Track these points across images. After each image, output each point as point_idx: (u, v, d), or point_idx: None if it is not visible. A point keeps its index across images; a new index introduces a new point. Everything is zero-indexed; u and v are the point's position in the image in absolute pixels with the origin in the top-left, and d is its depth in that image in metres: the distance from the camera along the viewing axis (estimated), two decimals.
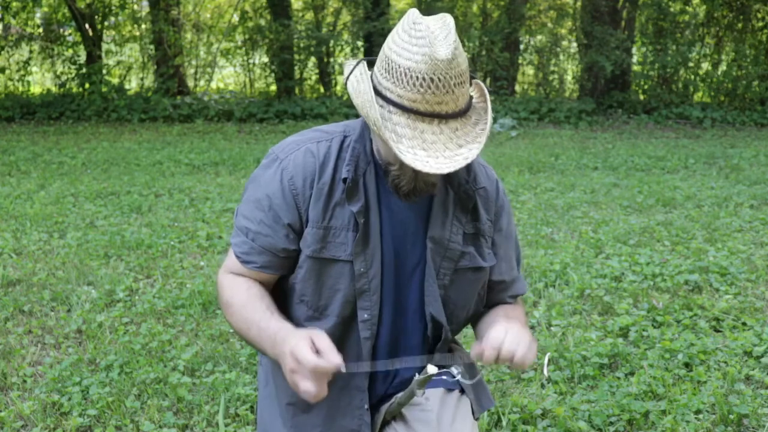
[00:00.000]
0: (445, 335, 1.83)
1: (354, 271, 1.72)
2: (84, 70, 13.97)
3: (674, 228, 5.98)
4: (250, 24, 15.14)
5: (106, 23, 14.84)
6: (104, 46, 14.76)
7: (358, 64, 1.64)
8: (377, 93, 1.58)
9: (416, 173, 1.64)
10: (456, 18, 14.41)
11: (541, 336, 3.88)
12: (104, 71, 14.19)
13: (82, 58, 14.42)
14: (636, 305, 4.32)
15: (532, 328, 3.99)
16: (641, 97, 14.65)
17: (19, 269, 4.92)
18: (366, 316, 1.75)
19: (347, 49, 14.94)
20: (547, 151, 10.31)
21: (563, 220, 6.34)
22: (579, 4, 15.19)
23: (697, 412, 3.14)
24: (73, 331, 3.97)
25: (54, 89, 14.44)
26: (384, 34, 12.86)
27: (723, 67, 14.90)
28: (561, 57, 15.53)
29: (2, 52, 14.31)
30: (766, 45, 14.82)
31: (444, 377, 1.74)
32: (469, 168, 1.78)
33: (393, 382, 1.86)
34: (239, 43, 15.65)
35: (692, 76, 14.74)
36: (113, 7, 14.63)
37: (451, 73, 1.52)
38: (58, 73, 14.43)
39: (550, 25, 15.49)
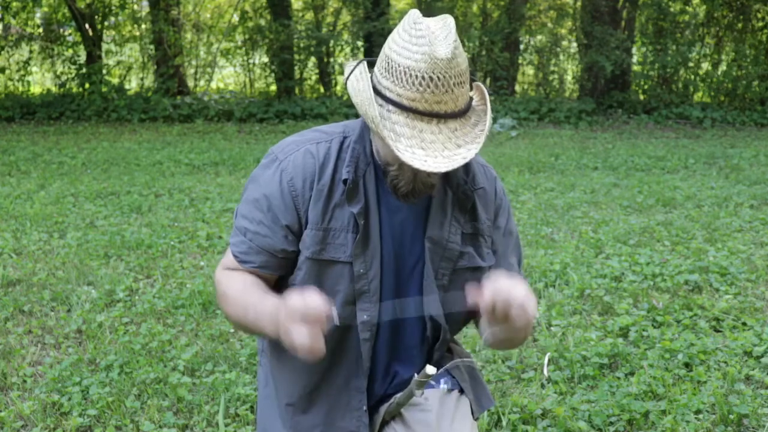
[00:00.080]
0: (444, 335, 1.83)
1: (353, 273, 1.72)
2: (84, 70, 13.97)
3: (674, 228, 5.98)
4: (250, 24, 15.14)
5: (106, 23, 14.85)
6: (104, 46, 14.76)
7: (358, 64, 1.64)
8: (377, 92, 1.58)
9: (415, 174, 1.64)
10: (456, 18, 14.38)
11: (541, 336, 3.88)
12: (104, 71, 14.19)
13: (82, 58, 14.42)
14: (636, 305, 4.32)
15: (532, 328, 3.99)
16: (641, 97, 14.65)
17: (19, 269, 4.92)
18: (365, 317, 1.75)
19: (347, 49, 14.95)
20: (547, 151, 10.31)
21: (563, 220, 6.34)
22: (579, 4, 15.19)
23: (697, 412, 3.14)
24: (73, 331, 3.97)
25: (54, 89, 14.44)
26: (384, 34, 12.87)
27: (723, 67, 14.90)
28: (561, 57, 15.53)
29: (2, 52, 14.31)
30: (766, 45, 14.82)
31: (432, 383, 1.74)
32: (467, 168, 1.77)
33: (392, 383, 1.86)
34: (239, 43, 15.65)
35: (692, 76, 14.74)
36: (113, 7, 14.63)
37: (451, 73, 1.52)
38: (58, 73, 14.43)
39: (550, 25, 15.49)
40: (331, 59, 14.95)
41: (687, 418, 3.07)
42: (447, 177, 1.74)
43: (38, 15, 15.33)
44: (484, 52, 14.74)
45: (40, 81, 15.37)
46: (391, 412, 1.84)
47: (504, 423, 3.04)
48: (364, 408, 1.81)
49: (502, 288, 1.52)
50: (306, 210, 1.71)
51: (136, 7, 15.64)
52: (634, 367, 3.55)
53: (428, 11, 12.17)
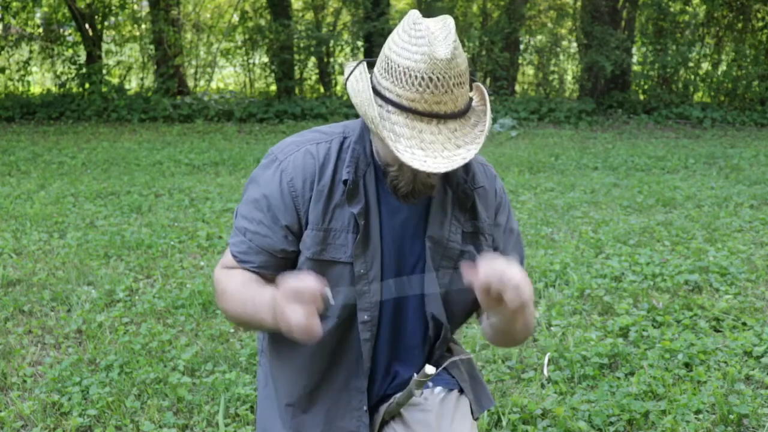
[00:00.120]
0: (445, 334, 1.83)
1: (354, 273, 1.72)
2: (84, 70, 13.97)
3: (674, 228, 5.98)
4: (250, 24, 15.14)
5: (106, 23, 14.85)
6: (104, 46, 14.76)
7: (358, 65, 1.64)
8: (376, 93, 1.58)
9: (415, 175, 1.64)
10: (456, 18, 14.41)
11: (541, 336, 3.88)
12: (104, 71, 14.19)
13: (82, 58, 14.42)
14: (636, 305, 4.32)
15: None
16: (641, 97, 14.66)
17: (19, 269, 4.92)
18: (366, 317, 1.75)
19: (347, 49, 14.95)
20: (547, 151, 10.31)
21: (563, 220, 6.34)
22: (579, 4, 15.19)
23: (697, 412, 3.14)
24: (73, 331, 3.97)
25: (54, 89, 14.44)
26: (384, 34, 12.87)
27: (723, 67, 14.90)
28: (561, 57, 15.53)
29: (2, 52, 14.31)
30: (766, 45, 14.82)
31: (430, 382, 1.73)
32: (467, 167, 1.77)
33: (392, 383, 1.86)
34: (239, 43, 15.65)
35: (692, 76, 14.74)
36: (113, 7, 14.63)
37: (450, 73, 1.52)
38: (58, 73, 14.43)
39: (550, 25, 15.50)
40: (331, 59, 14.95)
41: (687, 418, 3.07)
42: (447, 176, 1.74)
43: (38, 15, 15.34)
44: (484, 52, 14.74)
45: (40, 81, 15.37)
46: (391, 412, 1.85)
47: (504, 423, 3.04)
48: (365, 408, 1.81)
49: (497, 268, 1.50)
50: (306, 210, 1.71)
51: (136, 7, 15.64)
52: (634, 367, 3.55)
53: (428, 11, 12.18)
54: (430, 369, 1.70)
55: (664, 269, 4.86)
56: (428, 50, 1.51)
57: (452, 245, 1.76)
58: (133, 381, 3.38)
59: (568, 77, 15.65)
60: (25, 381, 3.43)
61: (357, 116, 1.82)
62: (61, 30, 15.24)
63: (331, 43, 14.71)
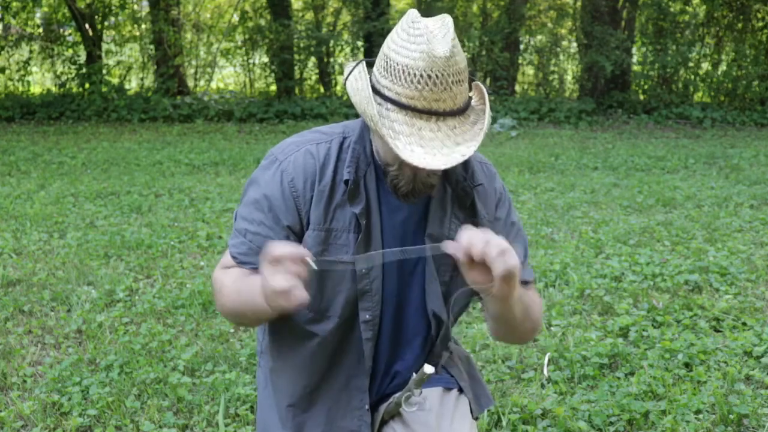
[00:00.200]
0: (445, 331, 1.83)
1: (356, 273, 1.72)
2: (84, 70, 13.97)
3: (674, 228, 5.98)
4: (250, 24, 15.14)
5: (106, 23, 14.85)
6: (104, 46, 14.76)
7: (357, 64, 1.64)
8: (376, 92, 1.58)
9: (415, 174, 1.64)
10: (456, 18, 14.42)
11: (541, 336, 3.88)
12: (104, 71, 14.19)
13: (82, 58, 14.42)
14: (636, 305, 4.32)
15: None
16: (641, 97, 14.66)
17: (19, 269, 4.92)
18: (368, 316, 1.75)
19: (347, 49, 14.95)
20: (547, 151, 10.31)
21: (563, 220, 6.34)
22: (579, 4, 15.19)
23: (697, 412, 3.14)
24: (73, 331, 3.97)
25: (54, 89, 14.44)
26: (384, 34, 12.86)
27: (723, 67, 14.90)
28: (561, 57, 15.53)
29: (2, 52, 14.31)
30: (766, 45, 14.82)
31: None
32: (466, 165, 1.77)
33: (392, 382, 1.86)
34: (239, 43, 15.65)
35: (692, 76, 14.74)
36: (113, 7, 14.63)
37: (449, 71, 1.52)
38: (58, 73, 14.43)
39: (550, 25, 15.50)
40: (331, 59, 14.95)
41: (687, 418, 3.07)
42: (446, 174, 1.74)
43: (38, 15, 15.34)
44: (484, 52, 14.74)
45: (40, 81, 15.37)
46: (390, 412, 1.85)
47: (504, 423, 3.04)
48: (366, 407, 1.81)
49: (481, 234, 1.48)
50: (307, 211, 1.71)
51: (136, 7, 15.64)
52: (634, 367, 3.55)
53: (428, 11, 12.17)
54: (429, 368, 1.71)
55: (664, 269, 4.86)
56: (427, 48, 1.51)
57: None
58: (133, 381, 3.38)
59: (568, 77, 15.66)
60: (25, 381, 3.43)
61: (357, 116, 1.82)
62: (61, 30, 15.24)
63: (331, 43, 14.71)
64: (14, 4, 14.50)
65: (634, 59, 14.82)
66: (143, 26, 15.25)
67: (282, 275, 1.45)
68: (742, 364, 3.58)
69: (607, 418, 3.07)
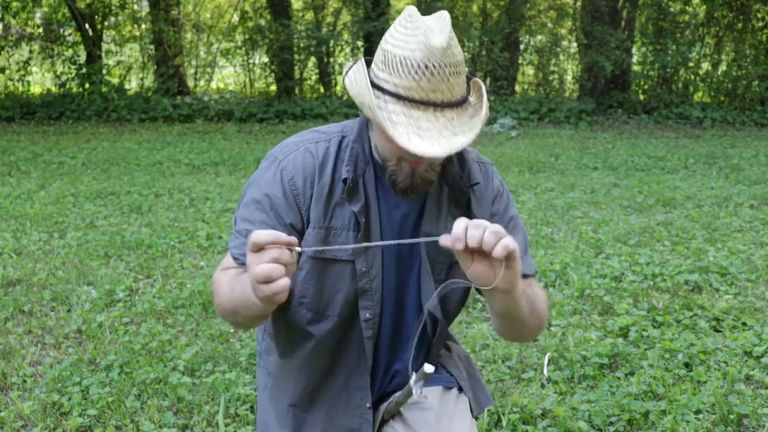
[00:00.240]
0: (441, 329, 1.83)
1: (355, 271, 1.72)
2: (84, 70, 13.98)
3: (674, 228, 5.98)
4: (250, 24, 15.15)
5: (106, 23, 14.85)
6: (104, 46, 14.77)
7: (356, 63, 1.65)
8: (374, 86, 1.58)
9: (413, 169, 1.65)
10: (456, 18, 14.43)
11: (541, 336, 3.88)
12: (104, 71, 14.19)
13: (82, 58, 14.43)
14: (636, 305, 4.32)
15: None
16: (641, 97, 14.66)
17: (19, 269, 4.92)
18: (368, 315, 1.75)
19: (347, 49, 14.95)
20: (547, 151, 10.32)
21: (563, 220, 6.34)
22: (579, 4, 15.20)
23: (697, 412, 3.14)
24: (73, 331, 3.97)
25: (54, 89, 14.45)
26: (384, 34, 12.86)
27: (723, 67, 14.90)
28: (561, 57, 15.54)
29: (2, 52, 14.32)
30: (766, 45, 14.82)
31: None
32: (462, 164, 1.78)
33: (392, 381, 1.86)
34: (239, 43, 15.65)
35: (692, 76, 14.75)
36: (113, 7, 14.63)
37: (446, 62, 1.52)
38: (58, 73, 14.43)
39: (550, 25, 15.50)
40: (331, 59, 14.96)
41: (687, 418, 3.07)
42: (443, 172, 1.74)
43: (38, 15, 15.34)
44: (484, 52, 14.74)
45: (40, 81, 15.37)
46: (390, 411, 1.85)
47: (504, 423, 3.04)
48: (368, 405, 1.82)
49: (475, 221, 1.46)
50: (308, 209, 1.71)
51: (136, 7, 15.64)
52: (634, 367, 3.55)
53: (428, 11, 12.15)
54: (428, 368, 1.70)
55: (664, 269, 4.86)
56: (424, 39, 1.52)
57: None
58: (133, 381, 3.38)
59: (568, 77, 15.66)
60: (25, 381, 3.43)
61: (357, 116, 1.82)
62: (61, 30, 15.24)
63: (331, 43, 14.72)
64: (14, 4, 14.50)
65: (634, 59, 14.83)
66: (143, 26, 15.26)
67: (265, 263, 1.41)
68: (742, 364, 3.57)
69: (607, 418, 3.07)
